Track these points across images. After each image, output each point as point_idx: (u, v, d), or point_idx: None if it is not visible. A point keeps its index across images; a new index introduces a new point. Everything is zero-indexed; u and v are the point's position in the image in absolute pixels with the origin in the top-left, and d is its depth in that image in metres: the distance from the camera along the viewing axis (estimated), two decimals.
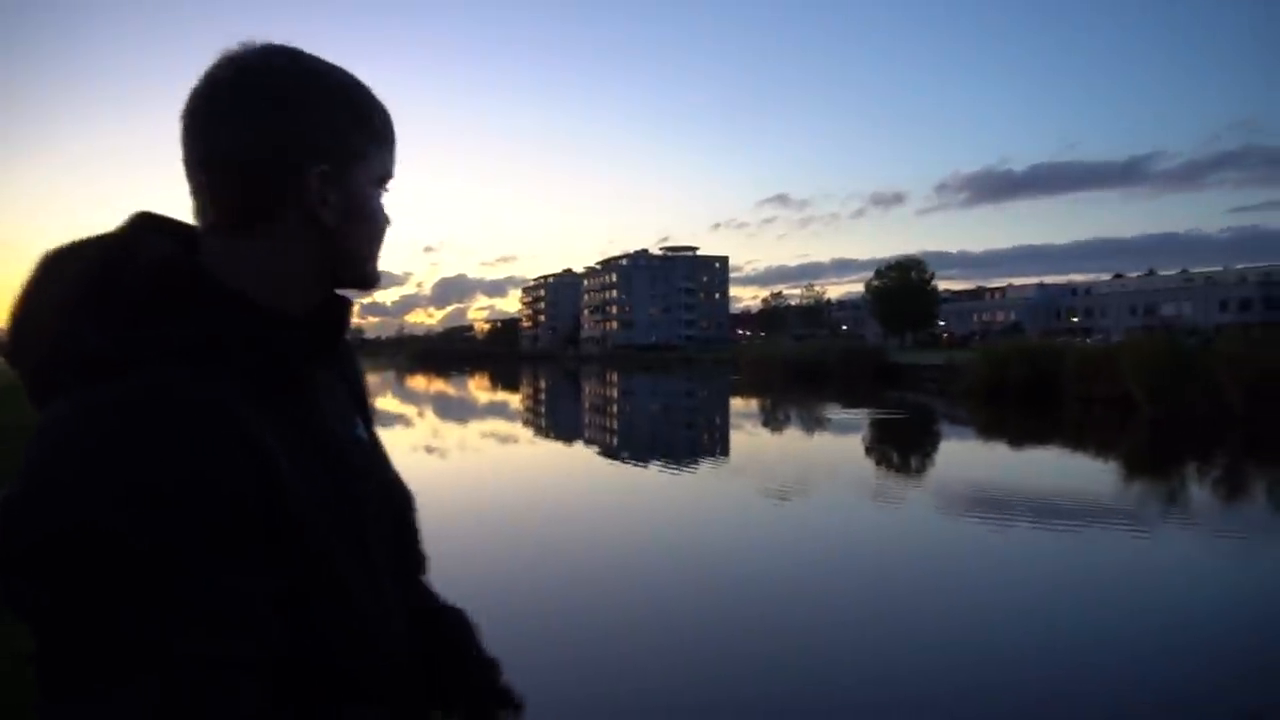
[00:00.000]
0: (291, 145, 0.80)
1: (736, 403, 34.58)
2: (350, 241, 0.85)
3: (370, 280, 0.89)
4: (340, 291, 0.89)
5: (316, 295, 0.86)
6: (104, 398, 0.69)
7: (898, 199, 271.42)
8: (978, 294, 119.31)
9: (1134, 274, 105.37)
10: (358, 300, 0.93)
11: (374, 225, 0.87)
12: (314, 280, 0.85)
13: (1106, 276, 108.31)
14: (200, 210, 0.81)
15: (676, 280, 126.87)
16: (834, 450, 18.97)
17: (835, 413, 26.84)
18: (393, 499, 1.00)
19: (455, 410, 33.54)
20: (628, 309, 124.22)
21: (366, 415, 1.00)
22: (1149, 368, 22.27)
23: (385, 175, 0.89)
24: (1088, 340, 43.91)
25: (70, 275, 0.77)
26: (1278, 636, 6.22)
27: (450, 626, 1.07)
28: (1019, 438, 20.24)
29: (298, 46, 0.84)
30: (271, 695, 0.70)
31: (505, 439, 21.85)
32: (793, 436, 21.93)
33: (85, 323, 0.73)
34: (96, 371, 0.71)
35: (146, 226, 0.82)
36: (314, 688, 0.77)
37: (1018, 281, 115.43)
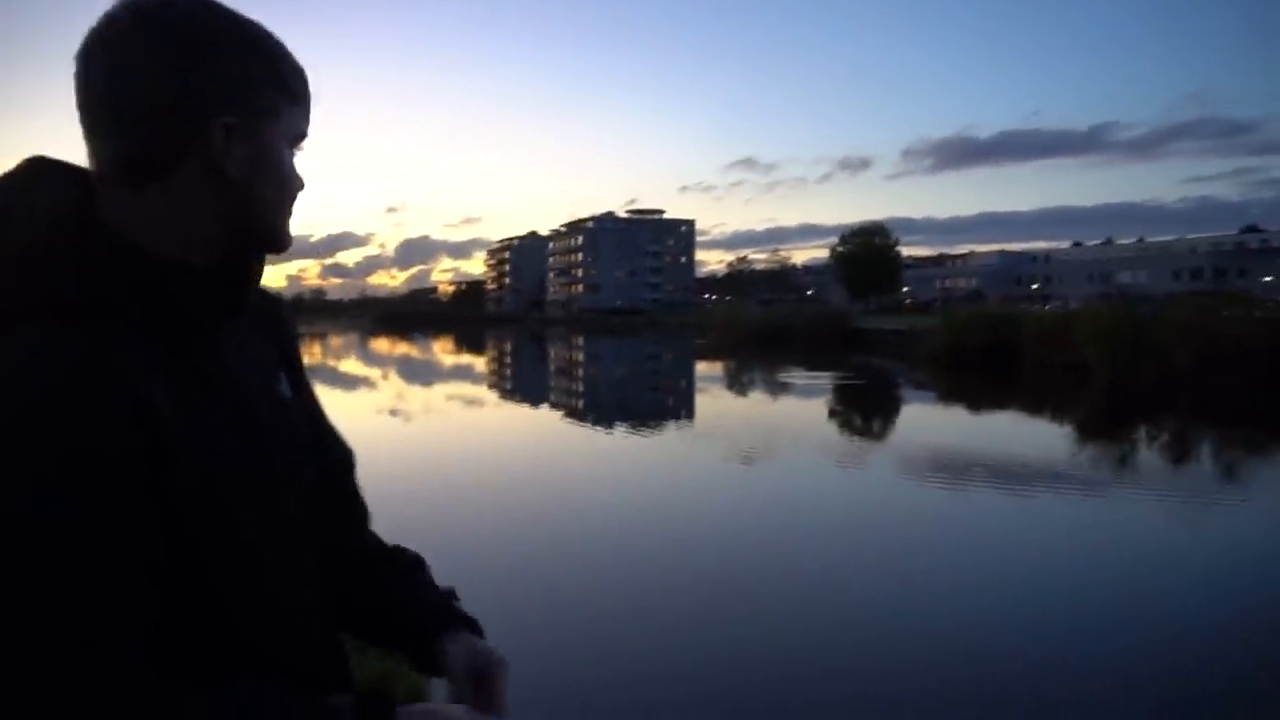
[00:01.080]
0: (195, 93, 0.75)
1: (701, 367, 34.74)
2: (257, 198, 0.81)
3: (279, 240, 0.85)
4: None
5: (221, 252, 0.81)
6: None
7: (865, 164, 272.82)
8: (940, 260, 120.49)
9: (1093, 242, 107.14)
10: (292, 264, 0.90)
11: (283, 183, 0.83)
12: (218, 236, 0.80)
13: (1067, 244, 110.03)
14: (96, 157, 0.77)
15: (642, 243, 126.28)
16: (798, 414, 19.18)
17: (799, 377, 27.09)
18: (325, 457, 0.98)
19: (420, 374, 33.28)
20: (593, 272, 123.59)
21: (296, 373, 0.98)
22: (1104, 334, 22.78)
23: (299, 134, 0.84)
24: (1046, 307, 44.66)
25: None
26: (1223, 594, 6.47)
27: (391, 564, 1.04)
28: (978, 403, 20.62)
29: None
30: (153, 661, 0.67)
31: (471, 402, 21.76)
32: (757, 400, 22.13)
33: None
34: None
35: (41, 172, 0.78)
36: (213, 651, 0.75)
37: (980, 248, 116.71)
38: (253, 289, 0.86)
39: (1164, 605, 6.14)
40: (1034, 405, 19.85)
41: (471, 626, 1.01)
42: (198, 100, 0.75)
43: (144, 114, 0.74)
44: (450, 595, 1.05)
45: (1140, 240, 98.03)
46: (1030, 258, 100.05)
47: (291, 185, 0.84)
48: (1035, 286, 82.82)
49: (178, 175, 0.76)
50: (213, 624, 0.75)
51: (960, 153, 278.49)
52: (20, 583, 0.62)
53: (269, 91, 0.80)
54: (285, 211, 0.85)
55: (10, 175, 0.77)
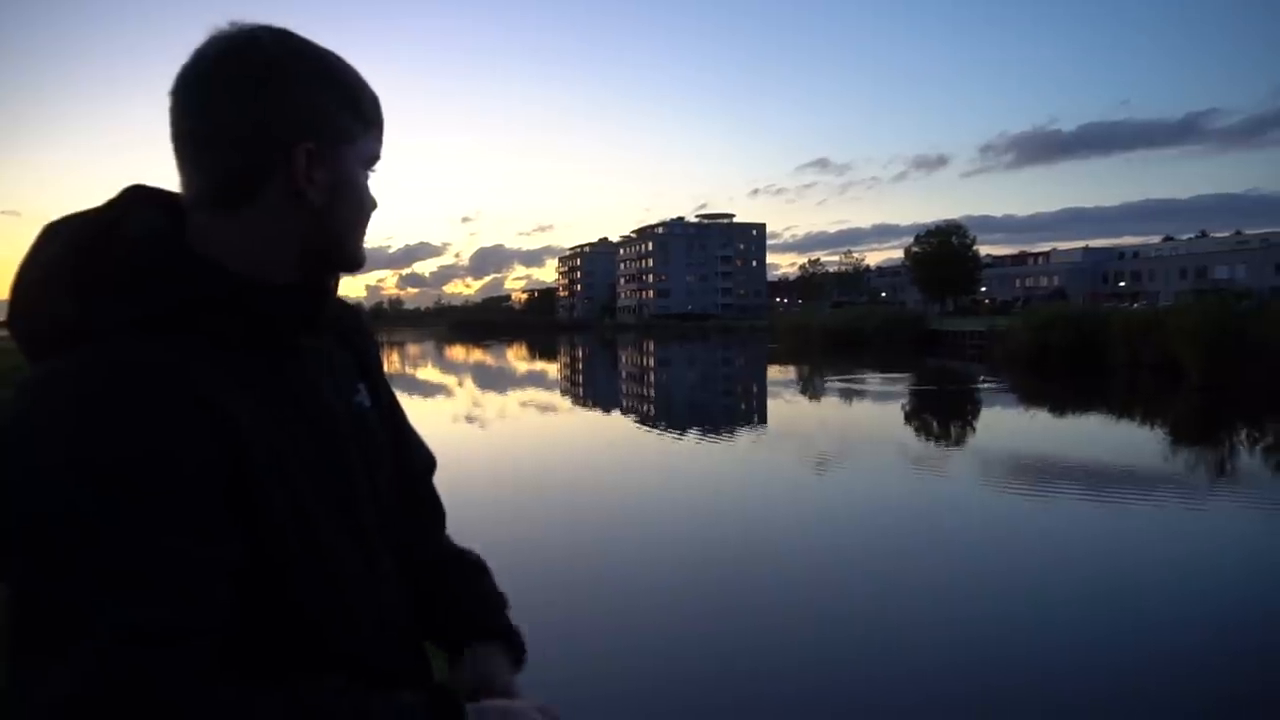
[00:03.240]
0: (277, 122, 0.80)
1: (773, 371, 34.46)
2: (335, 219, 0.85)
3: (355, 260, 0.89)
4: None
5: (299, 273, 0.85)
6: (61, 369, 0.72)
7: (941, 162, 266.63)
8: (1021, 259, 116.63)
9: (1186, 236, 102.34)
10: (350, 279, 0.93)
11: (359, 204, 0.88)
12: (297, 258, 0.84)
13: (1157, 239, 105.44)
14: (186, 184, 0.82)
15: (713, 248, 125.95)
16: (870, 419, 18.86)
17: (873, 381, 26.63)
18: (406, 463, 1.04)
19: (494, 380, 33.87)
20: (664, 278, 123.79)
21: (375, 384, 1.01)
22: (1198, 332, 21.72)
23: (372, 157, 0.89)
24: (1134, 305, 42.90)
25: (55, 247, 0.80)
26: None
27: (456, 568, 1.08)
28: (1062, 406, 19.92)
29: (287, 28, 0.84)
30: (218, 662, 0.69)
31: (545, 408, 22.06)
32: (829, 405, 21.82)
33: (59, 293, 0.77)
34: (63, 341, 0.74)
35: (137, 200, 0.84)
36: (292, 654, 0.77)
37: (1062, 245, 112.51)
38: (330, 303, 0.90)
39: (1265, 624, 5.84)
40: (1122, 408, 19.08)
41: (514, 645, 1.04)
42: (278, 128, 0.80)
43: (228, 143, 0.79)
44: (501, 601, 1.08)
45: (1238, 233, 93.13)
46: (1117, 254, 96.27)
47: (366, 206, 0.89)
48: (1122, 284, 79.67)
49: (261, 200, 0.81)
50: (292, 628, 0.78)
51: (1042, 147, 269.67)
52: (69, 570, 0.65)
53: (345, 118, 0.84)
54: (360, 231, 0.89)
55: (109, 203, 0.83)
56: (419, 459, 1.09)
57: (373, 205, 0.90)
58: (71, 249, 0.79)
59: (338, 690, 0.73)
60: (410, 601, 0.97)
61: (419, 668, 0.96)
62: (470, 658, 1.00)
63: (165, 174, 0.89)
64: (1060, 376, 25.24)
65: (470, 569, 1.09)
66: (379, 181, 0.92)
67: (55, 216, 0.84)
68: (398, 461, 1.02)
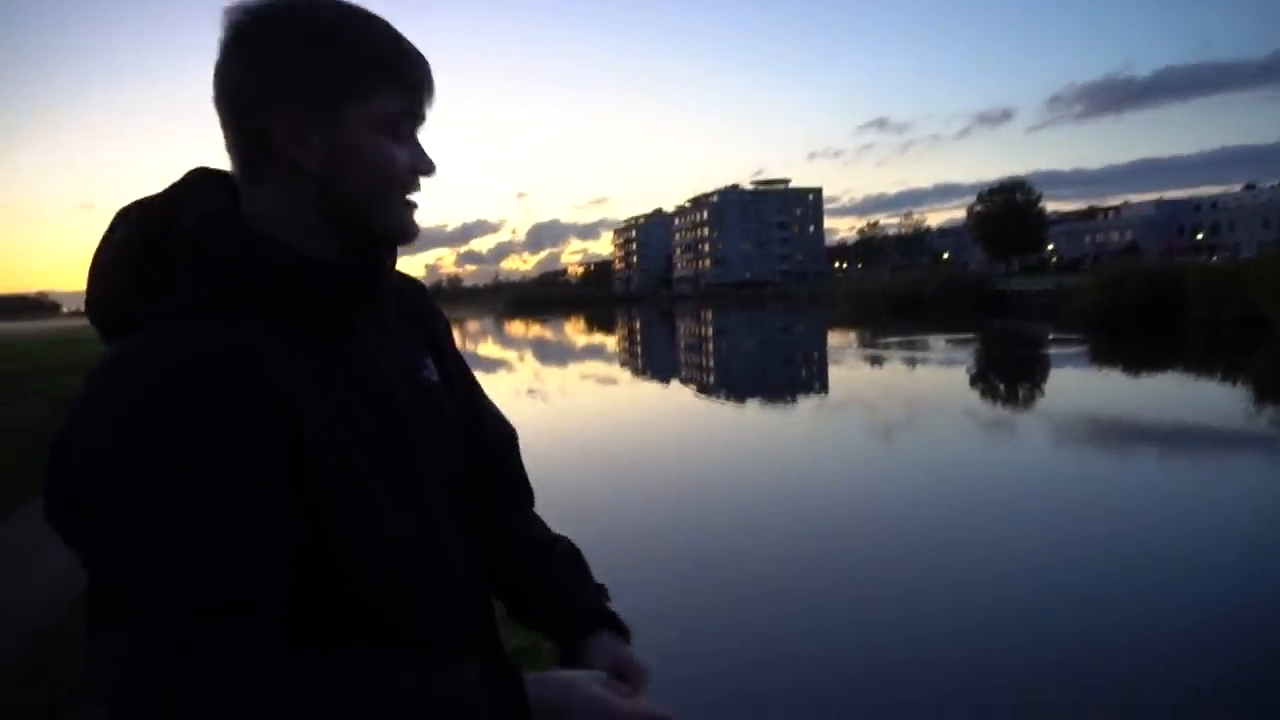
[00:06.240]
0: (265, 88, 0.77)
1: (834, 338, 34.03)
2: (346, 188, 0.80)
3: (389, 228, 0.84)
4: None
5: (336, 243, 0.83)
6: (122, 351, 0.74)
7: (1006, 116, 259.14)
8: (1090, 214, 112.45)
9: (1270, 184, 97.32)
10: (405, 251, 0.90)
11: (377, 168, 0.81)
12: (321, 229, 0.81)
13: (1238, 188, 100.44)
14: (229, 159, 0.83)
15: (769, 214, 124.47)
16: (935, 382, 18.50)
17: (936, 344, 26.10)
18: (483, 436, 1.02)
19: (553, 354, 34.19)
20: (720, 246, 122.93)
21: (445, 358, 1.00)
22: None
23: (397, 115, 0.81)
24: (1213, 259, 41.05)
25: (121, 232, 0.81)
26: None
27: (549, 556, 1.05)
28: (1135, 365, 19.25)
29: None
30: (276, 637, 0.69)
31: (605, 379, 22.18)
32: (891, 370, 21.47)
33: (122, 276, 0.78)
34: (129, 323, 0.76)
35: (200, 182, 0.84)
36: (354, 627, 0.78)
37: (1136, 198, 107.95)
38: (384, 279, 0.87)
39: None
40: (1201, 366, 18.35)
41: (619, 629, 1.00)
42: (265, 95, 0.77)
43: (229, 114, 0.79)
44: (602, 593, 1.04)
45: None
46: (1194, 205, 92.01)
47: (389, 170, 0.81)
48: (1200, 236, 76.33)
49: (272, 170, 0.79)
50: (352, 601, 0.78)
51: (1114, 96, 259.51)
52: (131, 546, 0.67)
53: (346, 77, 0.78)
54: (387, 197, 0.82)
55: (172, 186, 0.84)
56: (498, 432, 1.07)
57: (411, 168, 0.83)
58: (134, 233, 0.80)
59: (394, 661, 0.72)
60: (480, 572, 0.96)
61: (488, 639, 0.96)
62: (599, 648, 0.95)
63: None
64: (1134, 335, 24.38)
65: (571, 560, 1.06)
66: (431, 148, 0.85)
67: None
68: (476, 435, 1.01)
